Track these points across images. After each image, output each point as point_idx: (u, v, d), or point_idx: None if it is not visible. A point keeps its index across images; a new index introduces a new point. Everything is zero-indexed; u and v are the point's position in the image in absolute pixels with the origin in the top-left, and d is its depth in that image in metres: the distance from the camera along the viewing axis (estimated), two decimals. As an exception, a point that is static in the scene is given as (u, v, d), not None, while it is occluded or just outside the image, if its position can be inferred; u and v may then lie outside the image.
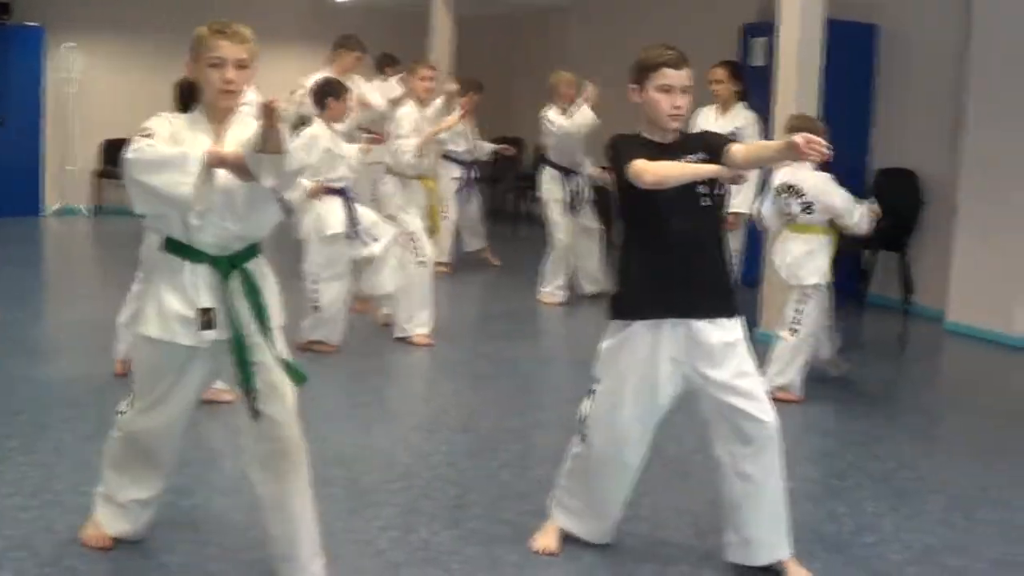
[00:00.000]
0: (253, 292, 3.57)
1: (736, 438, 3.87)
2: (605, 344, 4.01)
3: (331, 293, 7.05)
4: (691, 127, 8.07)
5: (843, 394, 6.65)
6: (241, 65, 3.49)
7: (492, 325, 7.56)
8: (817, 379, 6.79)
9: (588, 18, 14.09)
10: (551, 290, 9.12)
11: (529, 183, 13.43)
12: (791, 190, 6.54)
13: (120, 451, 3.89)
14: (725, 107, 8.09)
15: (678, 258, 3.87)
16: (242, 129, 3.52)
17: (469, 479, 4.91)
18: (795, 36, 7.64)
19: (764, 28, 9.44)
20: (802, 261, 6.48)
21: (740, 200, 7.86)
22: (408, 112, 7.60)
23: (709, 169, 3.74)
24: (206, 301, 3.52)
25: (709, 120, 8.05)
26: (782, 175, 6.59)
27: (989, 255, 8.45)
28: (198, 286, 3.52)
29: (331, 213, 7.01)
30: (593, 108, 8.83)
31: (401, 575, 3.89)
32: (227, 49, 3.47)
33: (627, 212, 3.95)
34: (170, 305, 3.52)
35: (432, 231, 7.71)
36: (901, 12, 9.69)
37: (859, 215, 6.41)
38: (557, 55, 14.44)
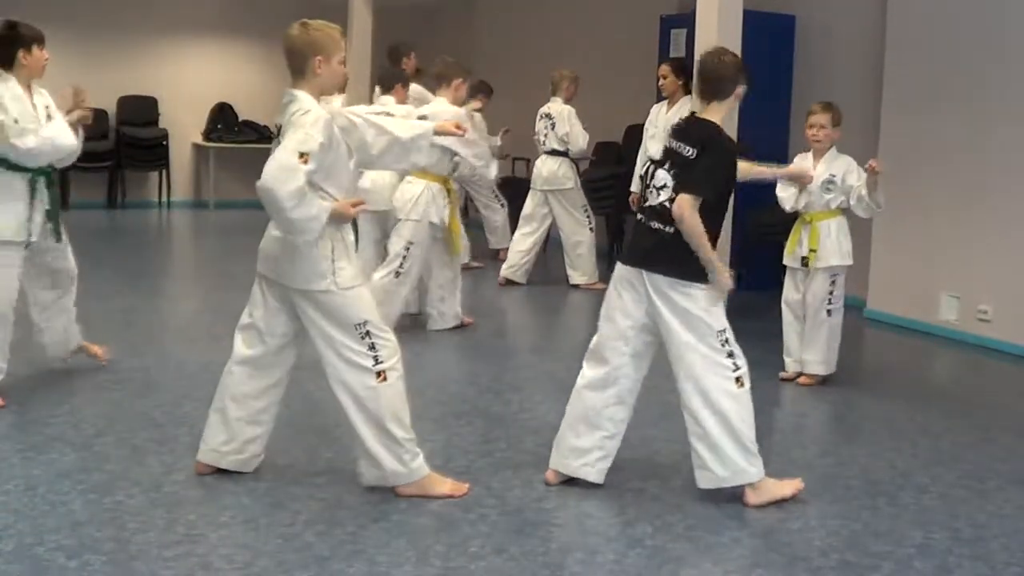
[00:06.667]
0: None
1: None
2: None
3: None
4: (647, 122, 8.81)
5: (764, 383, 6.69)
6: None
7: (406, 319, 7.55)
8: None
9: (510, 7, 14.07)
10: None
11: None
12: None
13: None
14: (672, 101, 8.58)
15: None
16: None
17: (393, 471, 4.87)
18: (714, 27, 7.66)
19: (683, 19, 9.48)
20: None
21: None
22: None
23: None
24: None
25: (660, 114, 8.68)
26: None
27: (907, 244, 8.56)
28: None
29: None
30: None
31: (328, 568, 3.83)
32: None
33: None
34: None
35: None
36: (818, 2, 9.78)
37: None
38: (479, 44, 14.42)
